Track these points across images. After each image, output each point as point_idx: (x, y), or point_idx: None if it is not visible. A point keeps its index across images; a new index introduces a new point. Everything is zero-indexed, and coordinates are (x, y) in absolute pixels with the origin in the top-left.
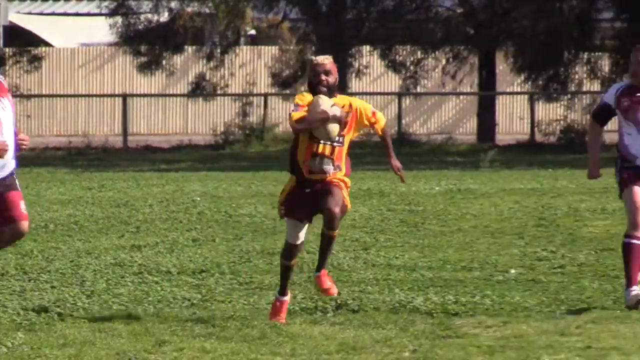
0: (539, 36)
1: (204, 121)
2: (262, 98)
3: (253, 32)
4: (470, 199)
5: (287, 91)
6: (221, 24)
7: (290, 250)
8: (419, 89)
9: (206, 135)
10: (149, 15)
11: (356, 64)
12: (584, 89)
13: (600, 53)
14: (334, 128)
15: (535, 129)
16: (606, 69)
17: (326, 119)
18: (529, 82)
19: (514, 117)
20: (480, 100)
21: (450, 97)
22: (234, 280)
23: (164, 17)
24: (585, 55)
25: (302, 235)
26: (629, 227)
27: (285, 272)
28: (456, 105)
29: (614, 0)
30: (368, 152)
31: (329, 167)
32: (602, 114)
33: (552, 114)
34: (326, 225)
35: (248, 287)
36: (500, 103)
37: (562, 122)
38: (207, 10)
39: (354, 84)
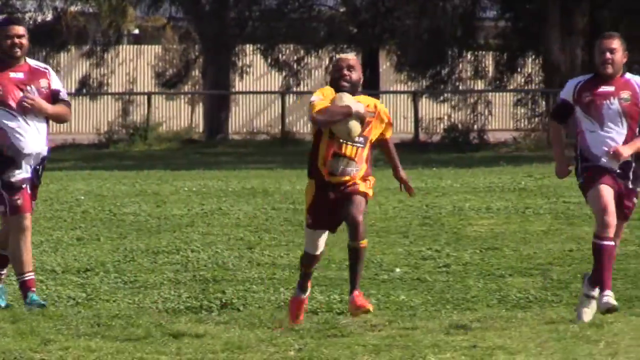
0: (423, 35)
1: (88, 120)
2: (146, 97)
3: (137, 31)
4: None
5: (171, 90)
6: (104, 23)
7: (309, 260)
8: (301, 87)
9: (90, 134)
10: (34, 15)
11: (239, 63)
12: (468, 87)
13: (484, 52)
14: (355, 126)
15: (420, 127)
16: (490, 67)
17: (349, 113)
18: (412, 81)
19: (398, 116)
20: None
21: None
22: (119, 279)
23: (49, 16)
24: (469, 54)
25: (322, 245)
26: (598, 228)
27: (305, 276)
28: None
29: None
30: (252, 152)
31: (350, 169)
32: (560, 112)
33: (436, 112)
34: (351, 236)
35: (133, 286)
36: (384, 102)
37: (445, 121)
38: (91, 10)
39: (237, 83)
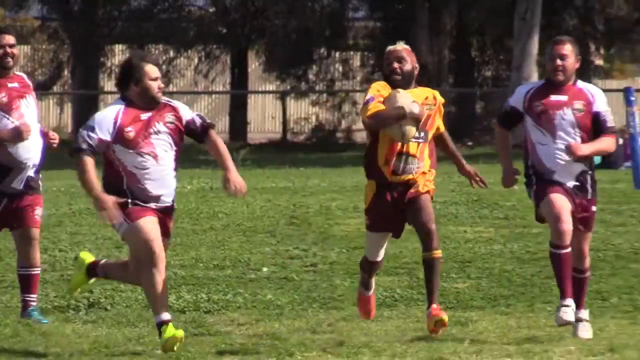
0: (291, 35)
1: None
2: None
3: None
4: (222, 197)
5: (40, 91)
6: None
7: (370, 266)
8: (171, 88)
9: None
10: None
11: (108, 63)
12: (337, 87)
13: (353, 52)
14: (410, 129)
15: (287, 128)
16: (359, 67)
17: (402, 115)
18: (281, 81)
19: (266, 115)
20: (233, 99)
21: (202, 96)
22: None
23: None
24: (338, 54)
25: (382, 251)
26: (553, 236)
27: (365, 281)
28: (209, 104)
29: None
30: None
31: (412, 167)
32: (508, 119)
33: (304, 112)
34: (425, 246)
35: (0, 286)
36: (253, 102)
37: (313, 120)
38: None
39: (106, 83)
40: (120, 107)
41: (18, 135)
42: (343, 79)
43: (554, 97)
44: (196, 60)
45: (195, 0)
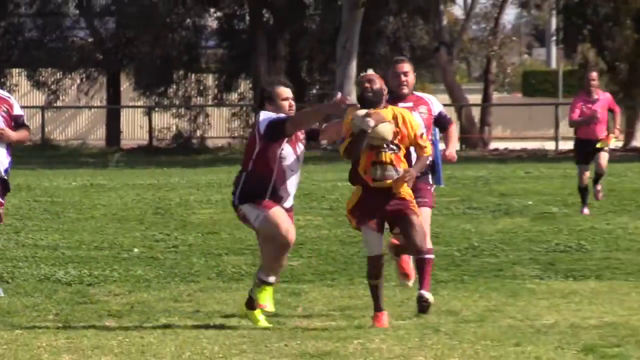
0: (155, 60)
1: None
2: None
3: None
4: (101, 192)
5: None
6: None
7: (374, 266)
8: (59, 103)
9: None
10: None
11: (8, 84)
12: (193, 103)
13: (206, 74)
14: (384, 128)
15: (153, 135)
16: (211, 86)
17: (363, 135)
18: (147, 98)
19: (136, 125)
20: (108, 113)
21: (84, 110)
22: None
23: None
24: (194, 76)
25: (381, 243)
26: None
27: (376, 291)
28: (89, 117)
29: (217, 31)
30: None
31: (391, 173)
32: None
33: (167, 123)
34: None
35: None
36: (125, 114)
37: (173, 129)
38: None
39: None
40: None
41: None
42: (198, 96)
43: (402, 105)
44: (79, 80)
45: (77, 32)
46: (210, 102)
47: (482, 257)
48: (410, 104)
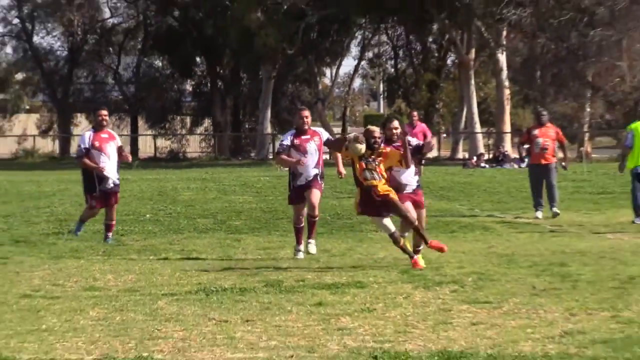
0: (158, 109)
1: None
2: None
3: None
4: (128, 183)
5: None
6: None
7: (395, 240)
8: None
9: None
10: None
11: (74, 121)
12: (178, 132)
13: (185, 116)
14: (354, 147)
15: (157, 151)
16: (189, 123)
17: (346, 149)
18: (153, 129)
19: (147, 145)
20: (132, 138)
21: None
22: None
23: None
24: (179, 117)
25: (389, 223)
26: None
27: (404, 249)
28: (122, 140)
29: (192, 92)
30: None
31: (374, 176)
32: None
33: (164, 144)
34: (403, 221)
35: None
36: (141, 139)
37: (168, 148)
38: None
39: None
40: None
41: None
42: (182, 128)
43: (303, 137)
44: (114, 119)
45: (113, 93)
46: (187, 132)
47: (343, 220)
48: (309, 136)
